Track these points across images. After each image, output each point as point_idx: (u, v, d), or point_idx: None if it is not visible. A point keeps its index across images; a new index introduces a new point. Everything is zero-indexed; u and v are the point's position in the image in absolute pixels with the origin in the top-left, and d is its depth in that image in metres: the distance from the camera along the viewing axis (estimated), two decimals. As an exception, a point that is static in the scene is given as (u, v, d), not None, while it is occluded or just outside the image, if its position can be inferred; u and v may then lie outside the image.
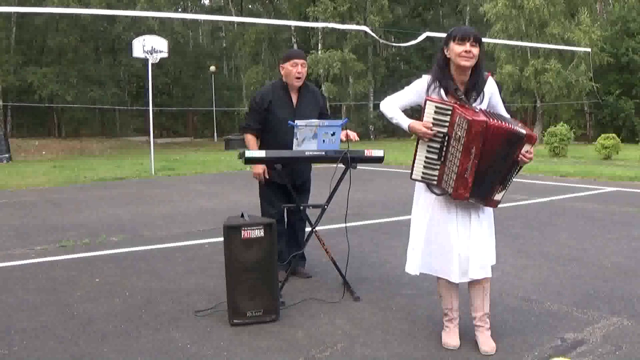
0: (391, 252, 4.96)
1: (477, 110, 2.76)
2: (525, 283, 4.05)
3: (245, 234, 3.29)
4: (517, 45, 23.04)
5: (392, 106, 2.97)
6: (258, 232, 3.31)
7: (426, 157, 2.84)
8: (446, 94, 2.83)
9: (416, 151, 2.86)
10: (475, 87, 2.84)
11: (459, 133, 2.71)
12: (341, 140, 3.83)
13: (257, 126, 4.13)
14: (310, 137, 3.70)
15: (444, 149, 2.78)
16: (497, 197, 2.85)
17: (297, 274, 4.21)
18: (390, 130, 30.03)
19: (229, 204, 8.02)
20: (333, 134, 3.74)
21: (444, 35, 2.92)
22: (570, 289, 3.89)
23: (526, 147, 2.75)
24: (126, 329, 3.28)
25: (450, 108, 2.74)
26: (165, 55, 13.30)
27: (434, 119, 2.77)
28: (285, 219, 4.30)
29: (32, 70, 27.66)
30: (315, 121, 3.80)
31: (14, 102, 28.00)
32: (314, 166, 4.41)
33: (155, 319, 3.45)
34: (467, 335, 3.02)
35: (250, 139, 4.14)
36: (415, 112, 2.96)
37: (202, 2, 42.70)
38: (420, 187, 2.97)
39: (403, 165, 12.76)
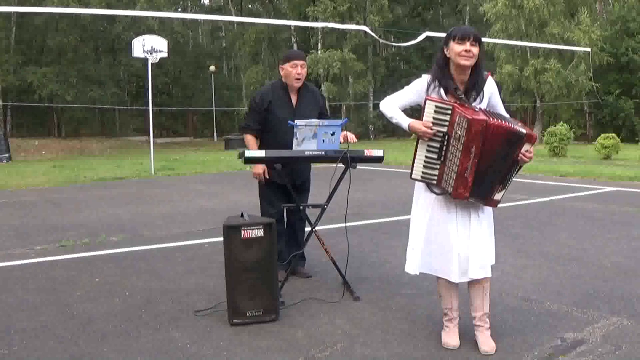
0: (391, 252, 4.96)
1: (477, 110, 2.76)
2: (525, 283, 4.05)
3: (245, 234, 3.29)
4: (517, 45, 23.04)
5: (392, 106, 2.97)
6: (258, 232, 3.31)
7: (426, 157, 2.84)
8: (446, 93, 2.83)
9: (416, 151, 2.86)
10: (475, 86, 2.84)
11: (459, 132, 2.71)
12: (340, 142, 3.83)
13: (256, 126, 4.13)
14: (310, 137, 3.70)
15: (444, 148, 2.78)
16: (497, 196, 2.84)
17: (297, 274, 4.21)
18: (390, 130, 30.03)
19: (229, 204, 8.02)
20: (333, 134, 3.74)
21: (444, 35, 2.92)
22: (570, 289, 3.89)
23: (526, 147, 2.75)
24: (126, 329, 3.28)
25: (451, 107, 2.74)
26: (165, 55, 13.30)
27: (434, 118, 2.77)
28: (285, 219, 4.30)
29: (32, 70, 27.66)
30: (315, 121, 3.80)
31: (14, 102, 28.01)
32: (314, 166, 4.41)
33: (155, 319, 3.45)
34: (467, 335, 3.02)
35: (250, 139, 4.14)
36: (415, 112, 2.96)
37: (202, 2, 42.73)
38: (420, 187, 2.97)
39: (403, 165, 12.76)
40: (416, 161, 2.86)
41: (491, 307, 3.04)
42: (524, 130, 2.73)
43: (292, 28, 30.48)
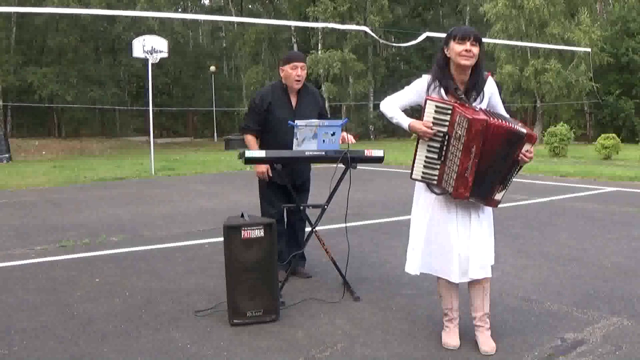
0: (391, 252, 4.96)
1: (477, 110, 2.76)
2: (525, 283, 4.05)
3: (245, 234, 3.29)
4: (517, 45, 23.04)
5: (392, 106, 2.97)
6: (258, 232, 3.31)
7: (426, 157, 2.84)
8: (446, 93, 2.83)
9: (416, 151, 2.86)
10: (475, 86, 2.84)
11: (459, 132, 2.71)
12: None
13: (256, 127, 4.13)
14: (310, 137, 3.70)
15: (444, 148, 2.78)
16: (498, 196, 2.84)
17: (297, 274, 4.21)
18: (390, 130, 30.03)
19: (229, 204, 8.02)
20: (333, 134, 3.74)
21: (444, 35, 2.92)
22: (570, 289, 3.89)
23: (526, 147, 2.75)
24: (126, 329, 3.28)
25: (451, 107, 2.74)
26: (165, 55, 13.30)
27: (434, 118, 2.77)
28: (285, 219, 4.30)
29: (32, 70, 27.66)
30: (315, 121, 3.80)
31: (14, 102, 28.01)
32: (314, 166, 4.41)
33: (155, 319, 3.45)
34: (467, 335, 3.02)
35: (250, 139, 4.14)
36: (415, 111, 2.96)
37: (202, 2, 42.72)
38: (420, 187, 2.97)
39: (403, 165, 12.76)
40: (416, 161, 2.86)
41: (491, 307, 3.04)
42: (524, 130, 2.73)
43: (292, 28, 30.48)
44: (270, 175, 4.05)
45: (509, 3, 23.05)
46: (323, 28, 26.43)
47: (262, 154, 3.78)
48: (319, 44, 28.97)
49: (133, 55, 13.61)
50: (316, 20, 26.85)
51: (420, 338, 3.08)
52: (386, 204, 7.81)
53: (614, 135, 15.99)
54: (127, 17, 28.90)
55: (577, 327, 3.19)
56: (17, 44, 29.11)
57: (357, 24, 26.14)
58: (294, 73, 4.04)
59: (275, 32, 31.98)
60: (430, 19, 35.36)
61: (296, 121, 3.72)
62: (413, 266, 2.97)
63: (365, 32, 23.12)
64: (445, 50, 2.83)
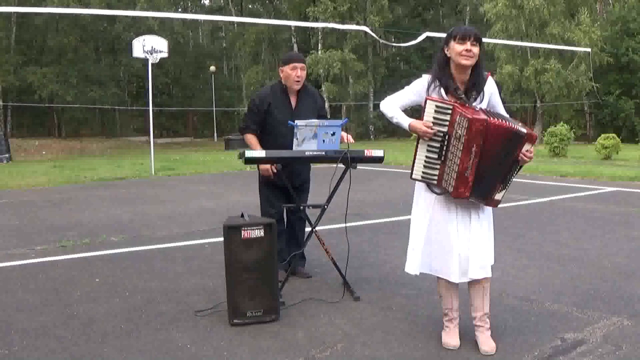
0: (391, 252, 4.96)
1: (477, 109, 2.76)
2: (525, 283, 4.05)
3: (245, 234, 3.29)
4: (517, 45, 23.05)
5: (392, 106, 2.97)
6: (258, 232, 3.31)
7: (426, 157, 2.83)
8: (446, 93, 2.83)
9: (416, 151, 2.86)
10: (475, 86, 2.84)
11: (459, 132, 2.71)
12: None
13: (255, 127, 4.13)
14: (310, 137, 3.70)
15: (444, 148, 2.78)
16: (498, 196, 2.84)
17: (297, 274, 4.21)
18: (390, 130, 30.03)
19: (229, 204, 8.02)
20: (333, 134, 3.74)
21: (444, 35, 2.92)
22: (570, 289, 3.89)
23: (526, 147, 2.75)
24: (126, 329, 3.28)
25: (451, 107, 2.74)
26: (165, 55, 13.29)
27: (434, 118, 2.77)
28: (285, 219, 4.30)
29: (32, 70, 27.66)
30: (315, 121, 3.80)
31: (14, 102, 28.00)
32: (314, 166, 4.41)
33: (155, 319, 3.45)
34: (467, 335, 3.02)
35: (250, 138, 4.14)
36: (415, 111, 2.95)
37: (202, 2, 42.72)
38: (420, 187, 2.97)
39: (403, 165, 12.76)
40: (416, 161, 2.86)
41: (491, 307, 3.04)
42: (524, 130, 2.73)
43: (292, 28, 30.48)
44: (275, 171, 4.05)
45: (509, 3, 23.06)
46: (323, 28, 26.45)
47: (262, 154, 3.78)
48: (319, 44, 28.98)
49: (133, 55, 13.60)
50: (316, 20, 26.86)
51: (420, 338, 3.08)
52: (386, 204, 7.81)
53: (614, 135, 15.99)
54: (127, 17, 28.91)
55: (577, 327, 3.19)
56: (17, 44, 29.11)
57: (357, 24, 26.14)
58: (294, 74, 4.04)
59: (275, 32, 31.99)
60: (430, 19, 35.37)
61: (296, 121, 3.72)
62: (413, 266, 2.97)
63: (365, 32, 23.13)
64: (446, 50, 2.83)
